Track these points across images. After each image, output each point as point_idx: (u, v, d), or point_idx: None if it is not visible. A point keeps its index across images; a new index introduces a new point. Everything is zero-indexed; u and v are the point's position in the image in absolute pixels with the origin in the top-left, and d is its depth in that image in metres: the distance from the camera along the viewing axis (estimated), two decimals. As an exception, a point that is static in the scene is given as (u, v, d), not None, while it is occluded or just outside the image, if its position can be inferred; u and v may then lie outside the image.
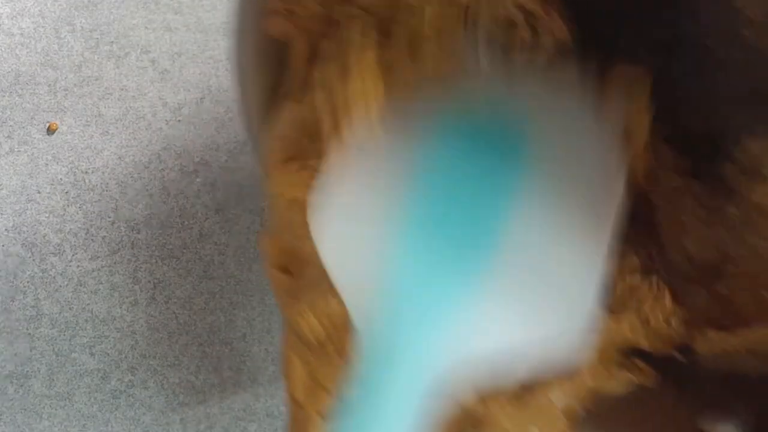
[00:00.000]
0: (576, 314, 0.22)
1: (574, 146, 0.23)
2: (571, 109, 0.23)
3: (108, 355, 0.33)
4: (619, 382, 0.25)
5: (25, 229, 0.32)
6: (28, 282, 0.32)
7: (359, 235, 0.22)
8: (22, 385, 0.31)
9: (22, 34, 0.32)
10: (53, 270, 0.32)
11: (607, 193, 0.23)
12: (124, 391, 0.33)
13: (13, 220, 0.32)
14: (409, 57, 0.24)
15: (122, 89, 0.33)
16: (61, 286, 0.32)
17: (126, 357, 0.34)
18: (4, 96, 0.32)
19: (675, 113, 0.24)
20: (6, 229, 0.31)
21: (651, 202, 0.24)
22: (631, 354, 0.24)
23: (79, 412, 0.32)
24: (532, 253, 0.22)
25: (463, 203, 0.22)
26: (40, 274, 0.32)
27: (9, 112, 0.32)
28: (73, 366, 0.32)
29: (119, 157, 0.32)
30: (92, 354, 0.33)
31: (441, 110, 0.23)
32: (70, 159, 0.33)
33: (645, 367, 0.24)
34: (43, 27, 0.33)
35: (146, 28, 0.35)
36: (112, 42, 0.34)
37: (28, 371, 0.31)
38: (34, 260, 0.32)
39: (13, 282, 0.32)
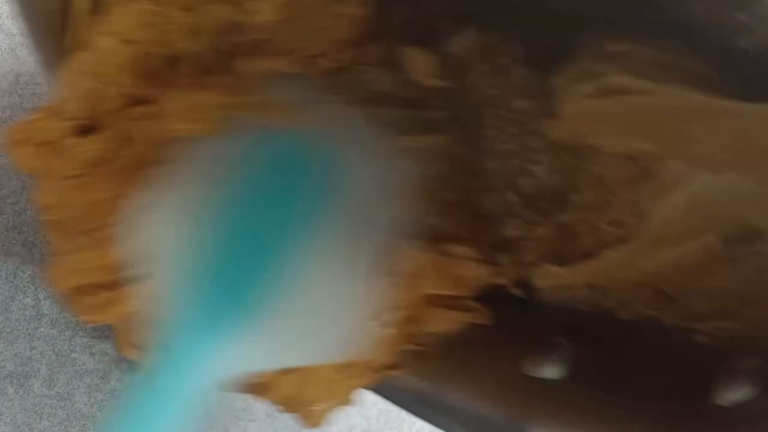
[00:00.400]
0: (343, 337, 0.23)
1: (373, 183, 0.24)
2: (379, 150, 0.25)
3: (108, 355, 0.33)
4: (448, 322, 0.26)
5: (25, 229, 0.32)
6: (28, 282, 0.32)
7: (167, 229, 0.23)
8: (22, 385, 0.31)
9: (22, 34, 0.32)
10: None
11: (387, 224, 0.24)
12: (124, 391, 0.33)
13: (13, 220, 0.32)
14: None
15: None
16: (61, 286, 0.33)
17: (126, 357, 0.34)
18: (4, 96, 0.32)
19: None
20: (6, 229, 0.32)
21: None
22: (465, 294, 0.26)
23: (79, 412, 0.32)
24: (307, 281, 0.22)
25: (255, 229, 0.23)
26: (40, 273, 0.32)
27: (9, 113, 0.32)
28: (73, 366, 0.32)
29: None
30: (92, 354, 0.33)
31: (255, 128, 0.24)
32: (71, 159, 0.33)
33: (476, 306, 0.25)
34: (43, 27, 0.33)
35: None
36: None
37: (28, 371, 0.32)
38: (34, 260, 0.32)
39: (13, 282, 0.32)
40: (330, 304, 0.23)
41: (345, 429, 0.37)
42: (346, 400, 0.27)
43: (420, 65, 0.26)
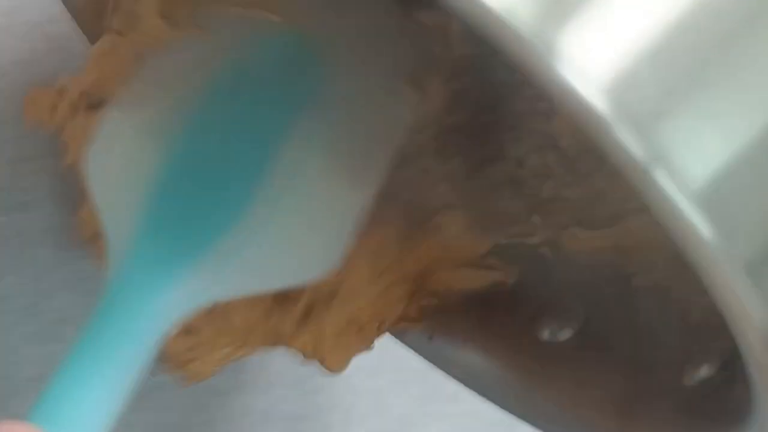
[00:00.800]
0: (327, 249, 0.22)
1: (365, 77, 0.23)
2: (370, 38, 0.24)
3: (134, 358, 0.34)
4: (477, 278, 0.26)
5: (55, 231, 0.32)
6: (59, 284, 0.32)
7: (130, 155, 0.22)
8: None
9: (60, 37, 0.33)
10: (83, 273, 0.33)
11: (387, 127, 0.23)
12: (147, 393, 0.33)
13: (45, 223, 0.32)
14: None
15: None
16: (91, 289, 0.33)
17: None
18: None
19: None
20: (37, 232, 0.32)
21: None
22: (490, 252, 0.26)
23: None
24: (292, 194, 0.22)
25: (235, 141, 0.22)
26: (70, 276, 0.33)
27: (43, 116, 0.32)
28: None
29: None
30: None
31: (240, 27, 0.23)
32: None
33: (500, 263, 0.26)
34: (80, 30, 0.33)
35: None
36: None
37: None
38: (64, 263, 0.33)
39: (43, 285, 0.32)
40: (302, 219, 0.22)
41: (363, 431, 0.38)
42: (367, 347, 0.27)
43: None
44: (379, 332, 0.27)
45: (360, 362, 0.28)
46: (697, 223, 0.13)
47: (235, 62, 0.22)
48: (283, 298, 0.25)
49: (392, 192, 0.24)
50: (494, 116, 0.26)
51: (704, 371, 0.21)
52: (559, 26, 0.11)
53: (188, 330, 0.33)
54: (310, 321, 0.26)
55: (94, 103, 0.26)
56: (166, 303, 0.20)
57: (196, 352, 0.33)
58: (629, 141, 0.12)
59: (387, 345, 0.29)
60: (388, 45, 0.24)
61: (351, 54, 0.23)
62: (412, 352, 0.29)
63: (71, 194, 0.33)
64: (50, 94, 0.28)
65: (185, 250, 0.20)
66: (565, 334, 0.25)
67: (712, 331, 0.21)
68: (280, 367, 0.30)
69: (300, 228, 0.22)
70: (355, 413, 0.37)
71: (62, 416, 0.19)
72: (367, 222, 0.23)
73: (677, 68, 0.12)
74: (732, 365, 0.17)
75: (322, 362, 0.27)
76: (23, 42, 0.32)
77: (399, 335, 0.28)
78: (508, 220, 0.26)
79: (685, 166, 0.12)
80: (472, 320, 0.27)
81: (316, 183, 0.22)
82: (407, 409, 0.34)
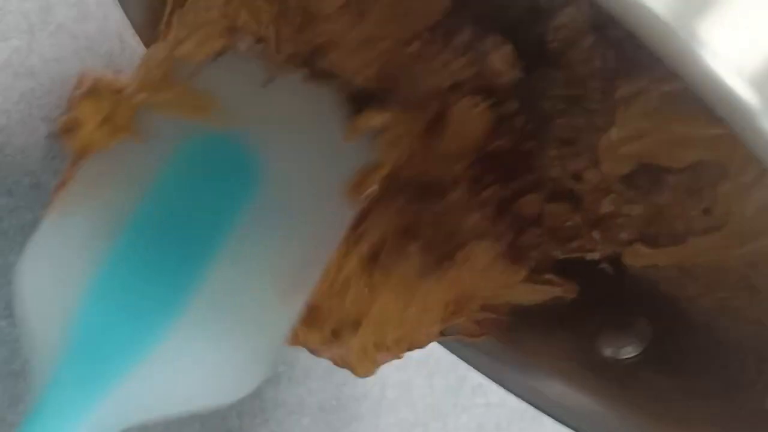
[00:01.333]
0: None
1: (303, 184, 0.22)
2: (310, 144, 0.23)
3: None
4: (536, 293, 0.26)
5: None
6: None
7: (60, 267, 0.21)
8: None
9: (87, 37, 0.33)
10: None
11: (322, 238, 0.23)
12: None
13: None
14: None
15: (182, 91, 0.33)
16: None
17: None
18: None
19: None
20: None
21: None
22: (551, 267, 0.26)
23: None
24: (221, 309, 0.21)
25: (168, 250, 0.21)
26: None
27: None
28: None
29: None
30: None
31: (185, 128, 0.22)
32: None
33: (559, 279, 0.26)
34: (106, 30, 0.33)
35: (206, 31, 0.36)
36: (172, 45, 0.35)
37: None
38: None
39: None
40: (230, 335, 0.21)
41: (393, 421, 0.38)
42: (396, 358, 0.28)
43: (501, 55, 0.25)
44: (410, 350, 0.27)
45: (389, 355, 0.29)
46: None
47: (173, 166, 0.22)
48: (310, 321, 0.25)
49: (415, 226, 0.25)
50: (537, 142, 0.26)
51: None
52: (701, 15, 0.11)
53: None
54: (337, 342, 0.26)
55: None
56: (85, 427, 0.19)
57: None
58: None
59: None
60: (329, 153, 0.23)
61: (289, 160, 0.22)
62: (440, 346, 0.29)
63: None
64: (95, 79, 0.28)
65: (106, 374, 0.19)
66: (629, 352, 0.24)
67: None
68: (311, 359, 0.30)
69: (228, 344, 0.21)
70: (385, 404, 0.37)
71: None
72: (388, 256, 0.23)
73: None
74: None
75: (350, 370, 0.28)
76: (52, 41, 0.32)
77: (456, 351, 0.28)
78: (565, 236, 0.26)
79: None
80: (535, 335, 0.27)
81: (245, 297, 0.21)
82: (435, 399, 0.35)
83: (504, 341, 0.27)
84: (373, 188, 0.23)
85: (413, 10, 0.24)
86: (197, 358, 0.20)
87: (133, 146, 0.22)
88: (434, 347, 0.30)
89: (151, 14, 0.26)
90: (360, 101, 0.24)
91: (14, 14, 0.32)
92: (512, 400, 0.29)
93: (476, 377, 0.33)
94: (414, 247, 0.25)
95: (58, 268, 0.21)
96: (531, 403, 0.27)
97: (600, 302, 0.26)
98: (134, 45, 0.34)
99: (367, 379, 0.36)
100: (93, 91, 0.25)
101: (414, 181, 0.25)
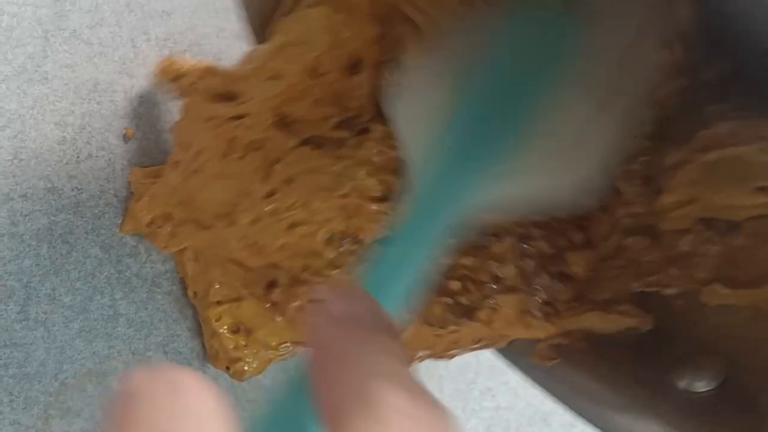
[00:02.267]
0: (587, 169, 0.25)
1: (618, 37, 0.25)
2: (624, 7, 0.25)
3: (180, 353, 0.34)
4: (611, 322, 0.27)
5: (103, 231, 0.33)
6: (105, 283, 0.33)
7: (428, 96, 0.26)
8: (100, 383, 0.32)
9: (100, 43, 0.33)
10: (129, 271, 0.33)
11: (637, 77, 0.25)
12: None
13: (92, 223, 0.33)
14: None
15: (195, 96, 0.34)
16: (136, 286, 0.34)
17: (198, 355, 0.35)
18: (83, 103, 0.33)
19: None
20: (85, 232, 0.33)
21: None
22: (627, 299, 0.26)
23: (154, 408, 0.33)
24: (559, 122, 0.24)
25: (514, 77, 0.25)
26: (117, 275, 0.33)
27: (88, 119, 0.33)
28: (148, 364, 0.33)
29: (192, 162, 0.33)
30: (165, 352, 0.34)
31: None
32: (145, 164, 0.34)
33: (636, 311, 0.26)
34: (120, 36, 0.34)
35: (217, 36, 0.36)
36: (185, 50, 0.35)
37: (106, 369, 0.33)
38: (110, 262, 0.33)
39: (91, 282, 0.33)
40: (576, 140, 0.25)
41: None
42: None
43: None
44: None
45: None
46: None
47: (509, 28, 0.26)
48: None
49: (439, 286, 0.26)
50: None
51: None
52: None
53: (236, 329, 0.33)
54: None
55: (216, 95, 0.28)
56: (463, 190, 0.24)
57: (245, 351, 0.34)
58: None
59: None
60: (639, 10, 0.26)
61: (606, 21, 0.25)
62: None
63: (119, 194, 0.33)
64: (183, 65, 0.30)
65: (475, 158, 0.24)
66: (703, 387, 0.24)
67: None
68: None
69: (568, 150, 0.25)
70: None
71: (382, 284, 0.22)
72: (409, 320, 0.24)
73: None
74: None
75: None
76: (66, 48, 0.33)
77: (527, 372, 0.28)
78: (643, 271, 0.26)
79: None
80: (608, 362, 0.27)
81: (575, 115, 0.25)
82: (444, 403, 0.34)
83: (576, 366, 0.27)
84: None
85: None
86: (542, 157, 0.24)
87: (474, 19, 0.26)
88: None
89: (265, 19, 0.28)
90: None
91: (29, 21, 0.32)
92: (520, 404, 0.29)
93: (485, 381, 0.33)
94: (441, 301, 0.26)
95: (425, 97, 0.26)
96: (600, 428, 0.27)
97: (676, 335, 0.26)
98: (147, 51, 0.34)
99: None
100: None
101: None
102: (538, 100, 0.25)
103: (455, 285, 0.27)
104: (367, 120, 0.29)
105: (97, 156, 0.33)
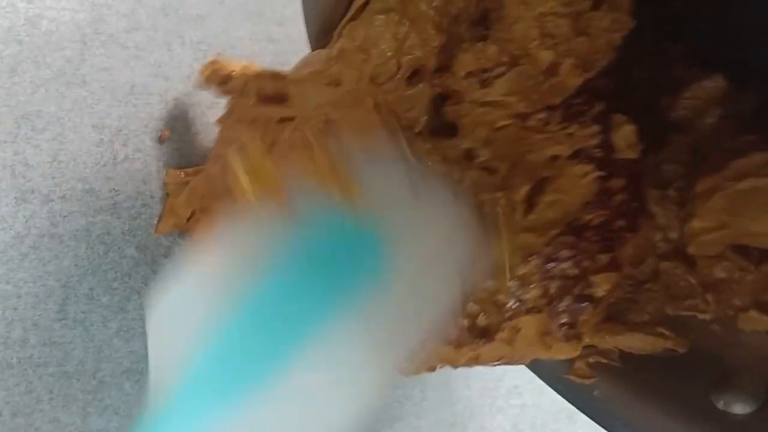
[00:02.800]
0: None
1: (424, 265, 0.24)
2: (436, 230, 0.24)
3: (215, 352, 0.35)
4: (648, 343, 0.27)
5: (139, 232, 0.33)
6: (142, 282, 0.34)
7: (193, 305, 0.23)
8: (137, 381, 0.33)
9: (136, 47, 0.34)
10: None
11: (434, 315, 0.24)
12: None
13: (129, 224, 0.33)
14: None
15: (229, 98, 0.34)
16: (172, 286, 0.34)
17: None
18: (120, 106, 0.33)
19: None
20: (122, 232, 0.33)
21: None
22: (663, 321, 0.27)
23: (190, 406, 0.34)
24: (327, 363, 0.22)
25: (281, 317, 0.22)
26: (153, 275, 0.34)
27: (124, 121, 0.33)
28: (184, 363, 0.34)
29: (225, 164, 0.34)
30: (200, 351, 0.34)
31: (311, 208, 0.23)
32: (181, 166, 0.34)
33: (671, 335, 0.27)
34: (155, 40, 0.34)
35: (251, 39, 0.37)
36: (219, 53, 0.36)
37: (143, 368, 0.33)
38: (146, 262, 0.34)
39: (128, 282, 0.33)
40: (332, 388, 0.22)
41: (433, 422, 0.39)
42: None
43: (623, 134, 0.26)
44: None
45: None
46: None
47: (305, 233, 0.23)
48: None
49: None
50: (627, 221, 0.26)
51: None
52: None
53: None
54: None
55: (265, 97, 0.28)
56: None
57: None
58: None
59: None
60: (449, 244, 0.25)
61: (414, 255, 0.24)
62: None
63: (155, 196, 0.34)
64: (230, 68, 0.30)
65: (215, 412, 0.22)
66: (741, 408, 0.24)
67: None
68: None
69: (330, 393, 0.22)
70: (426, 405, 0.38)
71: None
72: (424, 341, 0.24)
73: None
74: None
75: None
76: (103, 52, 0.33)
77: (565, 392, 0.29)
78: (679, 295, 0.26)
79: None
80: (646, 380, 0.27)
81: (348, 356, 0.22)
82: (473, 401, 0.35)
83: (614, 386, 0.27)
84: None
85: (553, 86, 0.25)
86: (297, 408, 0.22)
87: (272, 214, 0.23)
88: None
89: (327, 24, 0.28)
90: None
91: (68, 25, 0.32)
92: (546, 402, 0.29)
93: (512, 379, 0.33)
94: (458, 323, 0.26)
95: (188, 323, 0.23)
96: None
97: (713, 356, 0.26)
98: (182, 54, 0.35)
99: (408, 381, 0.37)
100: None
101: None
102: (313, 330, 0.22)
103: (473, 308, 0.27)
104: (415, 134, 0.28)
105: (133, 158, 0.33)
